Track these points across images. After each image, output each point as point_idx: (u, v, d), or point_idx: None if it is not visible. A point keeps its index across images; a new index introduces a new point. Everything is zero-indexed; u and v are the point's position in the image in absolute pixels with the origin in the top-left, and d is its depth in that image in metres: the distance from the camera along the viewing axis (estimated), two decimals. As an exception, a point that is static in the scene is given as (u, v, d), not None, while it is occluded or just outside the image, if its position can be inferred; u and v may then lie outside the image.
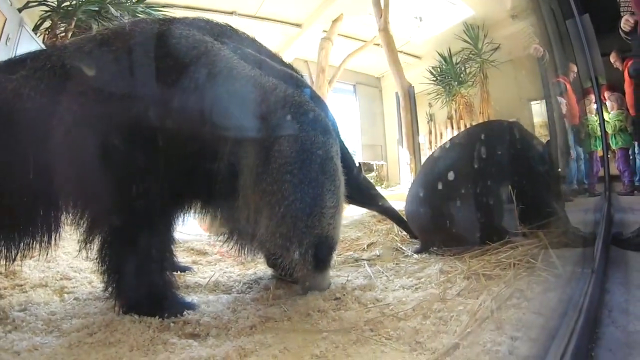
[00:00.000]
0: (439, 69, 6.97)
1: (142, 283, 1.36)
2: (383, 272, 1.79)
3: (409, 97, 5.56)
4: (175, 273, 1.81)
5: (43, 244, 1.37)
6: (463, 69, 6.85)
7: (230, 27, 1.64)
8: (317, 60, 6.39)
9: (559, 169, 2.97)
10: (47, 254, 1.45)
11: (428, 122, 7.34)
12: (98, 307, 1.42)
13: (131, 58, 1.34)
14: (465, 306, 1.28)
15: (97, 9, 4.02)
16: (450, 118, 7.03)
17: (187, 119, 1.33)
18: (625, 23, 3.31)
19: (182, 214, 1.63)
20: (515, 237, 1.90)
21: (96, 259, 1.37)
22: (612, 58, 4.12)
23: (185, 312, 1.33)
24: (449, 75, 6.90)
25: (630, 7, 3.39)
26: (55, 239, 1.39)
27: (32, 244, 1.36)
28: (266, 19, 6.01)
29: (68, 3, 3.92)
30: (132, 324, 1.26)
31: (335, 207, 1.49)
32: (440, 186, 2.13)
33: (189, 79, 1.34)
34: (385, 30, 5.66)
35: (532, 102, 5.53)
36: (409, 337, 1.14)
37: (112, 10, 3.94)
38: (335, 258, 2.09)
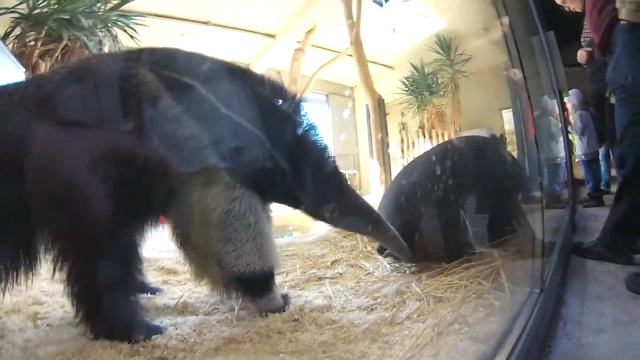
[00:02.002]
0: (411, 79, 7.10)
1: (110, 308, 1.38)
2: (343, 292, 1.84)
3: (379, 109, 5.65)
4: (145, 295, 1.87)
5: (21, 272, 1.44)
6: (435, 79, 6.99)
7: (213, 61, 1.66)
8: (290, 72, 6.45)
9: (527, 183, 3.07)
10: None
11: (400, 131, 7.44)
12: (71, 332, 1.43)
13: (90, 96, 1.41)
14: (410, 330, 1.35)
15: (68, 17, 3.96)
16: (422, 127, 7.16)
17: (139, 154, 1.39)
18: (581, 57, 3.55)
19: (144, 236, 1.70)
20: (473, 255, 1.98)
21: (65, 284, 1.40)
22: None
23: (153, 336, 1.37)
24: (421, 85, 7.03)
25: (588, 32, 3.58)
26: (33, 266, 1.46)
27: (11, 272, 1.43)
28: (240, 29, 6.04)
29: (39, 11, 3.84)
30: (103, 349, 1.28)
31: (253, 241, 1.52)
32: (406, 201, 2.22)
33: (140, 119, 1.40)
34: (356, 43, 5.75)
35: (504, 111, 5.70)
36: (357, 360, 1.19)
37: (83, 20, 3.88)
38: (300, 276, 2.16)
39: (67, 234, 1.39)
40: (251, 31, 6.18)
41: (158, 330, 1.42)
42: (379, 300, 1.68)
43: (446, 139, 6.82)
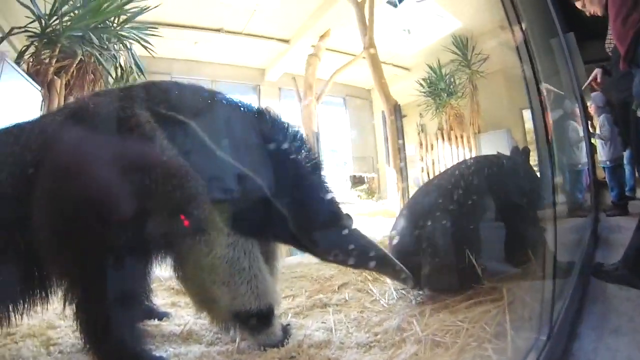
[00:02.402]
0: (428, 80, 7.00)
1: (114, 340, 1.42)
2: (345, 323, 1.81)
3: (395, 115, 5.57)
4: (152, 322, 1.89)
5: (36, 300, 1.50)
6: (452, 80, 6.88)
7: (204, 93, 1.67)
8: (304, 77, 6.41)
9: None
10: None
11: (418, 133, 7.35)
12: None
13: (88, 140, 1.45)
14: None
15: (81, 34, 4.03)
16: (440, 129, 7.06)
17: (137, 195, 1.40)
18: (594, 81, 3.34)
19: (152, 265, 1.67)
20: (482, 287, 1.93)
21: (74, 315, 1.44)
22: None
23: None
24: (439, 86, 6.93)
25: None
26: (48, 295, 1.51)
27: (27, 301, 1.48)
28: (254, 36, 6.04)
29: (52, 29, 3.91)
30: None
31: (248, 284, 1.53)
32: (417, 224, 2.15)
33: (137, 161, 1.43)
34: (370, 47, 5.67)
35: (524, 110, 5.55)
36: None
37: (94, 37, 3.94)
38: (305, 301, 2.14)
39: (72, 268, 1.42)
40: (265, 37, 6.16)
41: None
42: (378, 337, 1.64)
43: (465, 141, 6.71)
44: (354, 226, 1.77)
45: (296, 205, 1.61)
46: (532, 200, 2.31)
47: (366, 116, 8.29)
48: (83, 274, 1.41)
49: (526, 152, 2.65)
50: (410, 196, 5.53)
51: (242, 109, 1.68)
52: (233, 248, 1.49)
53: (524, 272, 2.02)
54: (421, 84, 7.03)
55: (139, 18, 4.57)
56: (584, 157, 4.41)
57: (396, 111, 5.61)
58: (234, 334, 1.62)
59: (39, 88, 3.62)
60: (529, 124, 5.56)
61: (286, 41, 6.41)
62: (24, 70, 3.67)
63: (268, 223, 1.59)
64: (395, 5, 6.10)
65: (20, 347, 1.61)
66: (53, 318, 1.83)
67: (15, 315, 1.47)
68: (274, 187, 1.57)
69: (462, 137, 6.72)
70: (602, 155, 4.79)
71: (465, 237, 2.04)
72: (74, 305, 1.42)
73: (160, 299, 2.16)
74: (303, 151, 1.69)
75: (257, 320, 1.54)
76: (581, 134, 4.40)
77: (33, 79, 3.60)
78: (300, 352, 1.53)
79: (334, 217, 1.72)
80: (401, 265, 1.85)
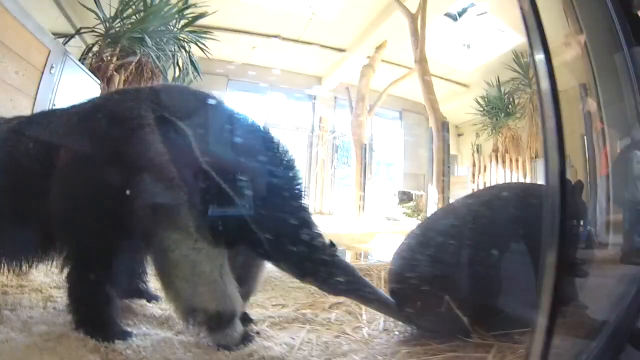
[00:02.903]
0: (486, 98, 6.74)
1: (87, 306, 1.63)
2: (313, 345, 1.75)
3: (442, 132, 5.40)
4: (143, 302, 2.05)
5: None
6: (511, 99, 6.58)
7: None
8: (358, 88, 6.38)
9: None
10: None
11: (472, 153, 7.10)
12: (66, 319, 1.67)
13: (99, 133, 1.67)
14: None
15: (140, 36, 4.36)
16: (495, 151, 6.76)
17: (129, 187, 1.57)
18: None
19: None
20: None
21: (65, 280, 1.68)
22: None
23: (117, 341, 1.55)
24: (497, 105, 6.65)
25: None
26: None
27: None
28: (310, 43, 6.10)
29: (114, 31, 4.35)
30: (76, 340, 1.52)
31: (206, 286, 1.61)
32: (422, 248, 1.96)
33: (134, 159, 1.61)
34: (420, 61, 5.55)
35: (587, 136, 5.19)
36: None
37: (147, 39, 4.24)
38: (290, 314, 2.10)
39: (70, 240, 1.68)
40: (321, 45, 6.19)
41: (122, 337, 1.60)
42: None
43: (520, 165, 6.38)
44: (340, 253, 1.83)
45: (272, 226, 1.64)
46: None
47: (421, 132, 8.09)
48: (77, 246, 1.66)
49: (579, 186, 2.40)
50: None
51: (242, 122, 1.80)
52: (198, 252, 1.56)
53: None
54: (478, 102, 6.78)
55: (201, 22, 4.84)
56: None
57: (444, 129, 5.44)
58: (193, 329, 1.67)
59: (99, 82, 4.11)
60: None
61: (342, 50, 6.41)
62: (86, 66, 4.14)
63: (241, 237, 1.65)
64: (455, 19, 5.93)
65: (23, 297, 1.91)
66: (62, 280, 1.95)
67: (26, 267, 1.81)
68: (253, 208, 1.63)
69: (517, 160, 6.40)
70: None
71: (468, 275, 1.83)
72: (67, 273, 1.66)
73: (156, 283, 2.21)
74: (290, 174, 1.77)
75: (213, 320, 1.60)
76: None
77: (94, 74, 4.11)
78: None
79: (312, 243, 1.71)
80: (388, 298, 1.81)
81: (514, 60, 6.22)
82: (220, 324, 1.63)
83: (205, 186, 1.59)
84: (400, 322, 1.98)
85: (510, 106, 6.59)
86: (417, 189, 7.73)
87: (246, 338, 1.69)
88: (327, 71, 6.81)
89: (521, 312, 1.74)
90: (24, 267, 1.81)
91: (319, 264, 1.69)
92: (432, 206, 5.79)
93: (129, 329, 1.70)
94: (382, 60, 6.48)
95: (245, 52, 5.96)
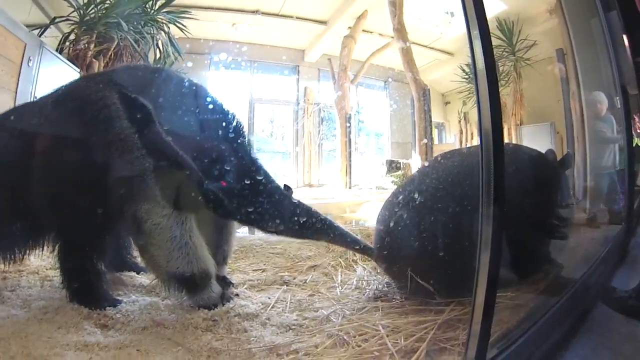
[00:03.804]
0: (470, 66, 6.72)
1: (80, 281, 1.79)
2: (287, 302, 1.88)
3: (424, 100, 5.42)
4: (132, 273, 2.23)
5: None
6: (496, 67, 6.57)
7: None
8: (339, 59, 6.38)
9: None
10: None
11: (459, 121, 7.14)
12: (62, 294, 1.82)
13: (68, 118, 1.80)
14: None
15: (116, 20, 4.35)
16: (481, 118, 6.75)
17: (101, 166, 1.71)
18: None
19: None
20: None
21: (56, 258, 1.84)
22: None
23: (108, 307, 1.72)
24: (481, 73, 6.64)
25: None
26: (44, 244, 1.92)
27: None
28: (290, 17, 6.08)
29: (89, 17, 4.32)
30: (71, 310, 1.69)
31: (179, 250, 1.73)
32: (399, 200, 2.02)
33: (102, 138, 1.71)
34: (399, 30, 5.54)
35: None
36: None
37: (124, 24, 4.24)
38: (269, 277, 2.23)
39: (56, 223, 1.84)
40: (301, 18, 6.17)
41: (112, 304, 1.77)
42: (304, 322, 1.70)
43: (506, 132, 6.38)
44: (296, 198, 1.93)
45: (230, 182, 1.80)
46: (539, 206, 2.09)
47: (407, 101, 8.11)
48: (62, 226, 1.81)
49: (567, 161, 2.40)
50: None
51: (202, 98, 1.91)
52: (167, 218, 1.70)
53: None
54: (463, 70, 6.76)
55: (176, 2, 4.80)
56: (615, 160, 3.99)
57: (425, 96, 5.47)
58: (175, 293, 1.81)
59: (79, 70, 4.11)
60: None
61: (323, 22, 6.39)
62: (64, 56, 4.16)
63: (204, 199, 1.75)
64: (438, -14, 5.89)
65: (21, 279, 2.09)
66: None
67: (22, 257, 1.93)
68: (208, 171, 1.77)
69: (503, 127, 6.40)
70: None
71: (434, 234, 1.85)
72: (57, 251, 1.82)
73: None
74: (241, 135, 1.91)
75: (190, 282, 1.74)
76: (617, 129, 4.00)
77: (73, 63, 4.13)
78: (224, 318, 1.68)
79: (271, 189, 1.88)
80: (356, 237, 1.98)
81: (497, 28, 6.18)
82: (197, 285, 1.77)
83: (166, 155, 1.69)
84: (372, 278, 2.20)
85: (494, 74, 6.57)
86: (404, 158, 7.79)
87: (224, 298, 1.84)
88: (309, 44, 6.80)
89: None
90: (18, 258, 1.93)
91: (284, 212, 1.86)
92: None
93: (119, 298, 1.86)
94: (364, 31, 6.46)
95: (226, 29, 5.94)
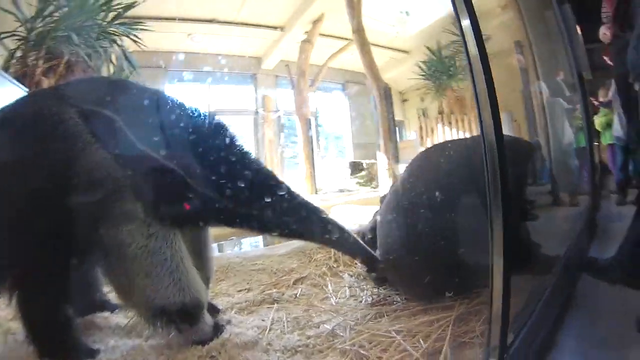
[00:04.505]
0: (428, 63, 6.86)
1: (49, 334, 1.52)
2: (284, 322, 1.78)
3: (385, 99, 5.45)
4: (104, 314, 1.93)
5: None
6: (453, 62, 6.72)
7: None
8: (297, 64, 6.33)
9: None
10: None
11: (419, 117, 7.26)
12: (29, 350, 1.54)
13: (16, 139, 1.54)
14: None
15: (66, 34, 4.11)
16: (441, 113, 6.94)
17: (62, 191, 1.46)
18: (603, 36, 3.17)
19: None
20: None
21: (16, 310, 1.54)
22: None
23: None
24: (439, 69, 6.78)
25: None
26: None
27: None
28: (246, 24, 5.97)
29: (37, 32, 4.03)
30: None
31: (170, 276, 1.52)
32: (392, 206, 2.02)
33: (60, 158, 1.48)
34: (358, 31, 5.55)
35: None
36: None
37: (75, 37, 4.01)
38: (256, 296, 2.11)
39: (10, 267, 1.52)
40: (258, 25, 6.08)
41: (90, 355, 1.53)
42: (309, 340, 1.61)
43: (467, 124, 6.57)
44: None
45: (225, 183, 1.60)
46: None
47: (366, 102, 8.15)
48: (18, 269, 1.52)
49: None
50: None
51: (169, 103, 1.68)
52: (155, 238, 1.49)
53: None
54: (420, 67, 6.89)
55: (130, 13, 4.60)
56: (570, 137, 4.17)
57: (386, 95, 5.50)
58: (161, 330, 1.59)
59: (27, 90, 3.73)
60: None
61: (280, 28, 6.32)
62: (11, 74, 3.79)
63: (193, 209, 1.57)
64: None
65: None
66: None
67: None
68: (198, 172, 1.57)
69: (463, 120, 6.60)
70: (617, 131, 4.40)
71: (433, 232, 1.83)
72: (16, 301, 1.52)
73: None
74: (222, 134, 1.69)
75: (182, 315, 1.53)
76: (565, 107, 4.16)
77: (21, 82, 3.70)
78: (222, 351, 1.50)
79: (272, 189, 1.68)
80: (362, 244, 1.83)
81: (453, 24, 6.31)
82: (190, 318, 1.56)
83: (144, 164, 1.49)
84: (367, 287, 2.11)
85: (451, 68, 6.73)
86: (367, 159, 7.84)
87: (217, 329, 1.65)
88: (265, 51, 6.71)
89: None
90: None
91: (287, 213, 1.66)
92: (383, 172, 5.83)
93: (95, 346, 1.61)
94: (321, 34, 6.43)
95: (182, 40, 5.78)
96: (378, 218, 2.09)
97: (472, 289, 1.76)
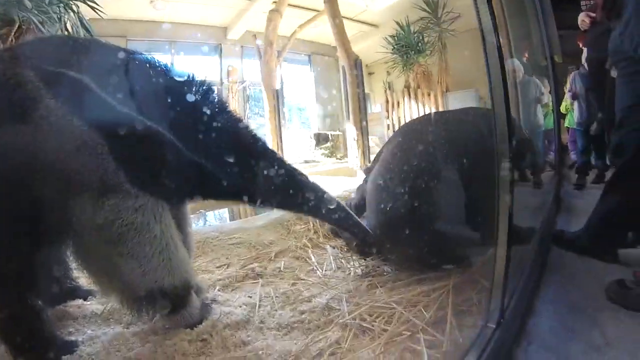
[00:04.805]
0: (396, 37, 6.85)
1: (16, 331, 1.31)
2: (273, 298, 1.70)
3: (355, 70, 5.39)
4: (76, 302, 1.74)
5: None
6: (421, 38, 6.74)
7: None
8: (265, 34, 6.13)
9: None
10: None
11: (385, 90, 7.28)
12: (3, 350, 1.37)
13: None
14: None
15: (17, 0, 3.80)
16: (407, 87, 6.99)
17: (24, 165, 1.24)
18: (582, 22, 3.23)
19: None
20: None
21: None
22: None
23: (64, 357, 1.32)
24: (407, 44, 6.79)
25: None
26: None
27: None
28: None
29: None
30: None
31: (160, 255, 1.36)
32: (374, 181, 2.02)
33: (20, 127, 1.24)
34: (330, 2, 5.42)
35: None
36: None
37: (27, 2, 3.70)
38: (238, 271, 2.01)
39: None
40: (225, -5, 5.84)
41: (69, 350, 1.35)
42: (303, 316, 1.54)
43: (432, 99, 6.65)
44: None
45: (216, 148, 1.45)
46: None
47: (332, 73, 8.07)
48: None
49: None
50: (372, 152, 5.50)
51: (145, 62, 1.47)
52: (142, 212, 1.30)
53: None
54: (389, 41, 6.87)
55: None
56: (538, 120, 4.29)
57: (357, 66, 5.43)
58: (148, 316, 1.45)
59: None
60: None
61: (247, -3, 6.11)
62: None
63: (184, 177, 1.43)
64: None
65: None
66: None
67: None
68: (186, 136, 1.40)
69: (429, 95, 6.67)
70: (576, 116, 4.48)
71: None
72: None
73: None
74: (212, 98, 1.52)
75: (171, 299, 1.39)
76: (541, 91, 4.26)
77: None
78: (213, 333, 1.40)
79: (264, 154, 1.56)
80: (354, 216, 1.77)
81: (423, 1, 6.36)
82: (179, 301, 1.42)
83: (126, 129, 1.27)
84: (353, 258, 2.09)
85: (420, 44, 6.75)
86: (332, 130, 7.82)
87: (205, 309, 1.53)
88: (232, 20, 6.48)
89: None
90: None
91: (282, 184, 1.55)
92: (352, 143, 5.79)
93: (72, 338, 1.44)
94: (289, 5, 6.25)
95: (143, 7, 5.46)
96: (368, 186, 2.07)
97: (469, 258, 1.79)
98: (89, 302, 1.73)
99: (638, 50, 1.66)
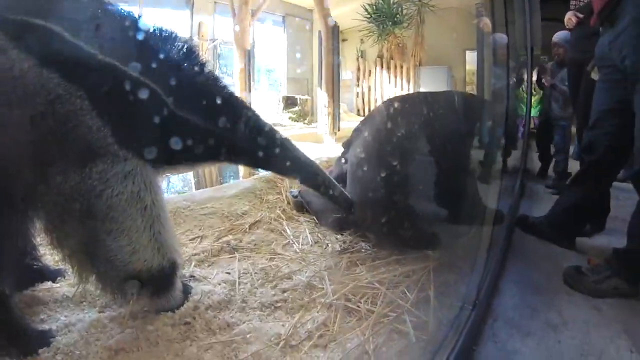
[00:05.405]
0: (374, 6, 6.73)
1: None
2: (251, 274, 1.67)
3: (332, 36, 5.27)
4: (44, 285, 1.57)
5: None
6: (400, 9, 6.67)
7: None
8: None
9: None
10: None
11: (357, 58, 7.22)
12: None
13: None
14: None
15: None
16: (380, 57, 6.95)
17: None
18: (568, 21, 3.27)
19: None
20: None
21: None
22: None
23: (40, 350, 1.18)
24: (385, 14, 6.69)
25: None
26: None
27: None
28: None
29: None
30: None
31: (150, 230, 1.24)
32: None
33: None
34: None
35: (468, 51, 5.54)
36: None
37: None
38: (212, 245, 1.95)
39: None
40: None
41: (45, 342, 1.22)
42: (285, 294, 1.52)
43: (405, 71, 6.64)
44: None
45: (200, 108, 1.30)
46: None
47: (305, 37, 7.89)
48: None
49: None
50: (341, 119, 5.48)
51: (119, 12, 1.25)
52: (132, 179, 1.15)
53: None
54: (366, 9, 6.74)
55: None
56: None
57: (334, 33, 5.31)
58: (128, 300, 1.31)
59: None
60: (470, 66, 5.61)
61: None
62: None
63: (167, 138, 1.24)
64: None
65: None
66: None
67: None
68: (171, 93, 1.23)
69: (402, 67, 6.66)
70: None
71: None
72: None
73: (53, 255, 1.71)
74: (194, 56, 1.35)
75: (159, 280, 1.28)
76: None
77: None
78: (196, 316, 1.35)
79: (246, 115, 1.42)
80: (338, 185, 1.76)
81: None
82: (165, 282, 1.31)
83: (110, 81, 1.12)
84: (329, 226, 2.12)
85: (398, 15, 6.67)
86: (301, 94, 7.70)
87: (186, 290, 1.45)
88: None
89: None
90: None
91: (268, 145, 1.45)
92: (322, 110, 5.71)
93: (46, 327, 1.30)
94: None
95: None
96: (350, 160, 2.07)
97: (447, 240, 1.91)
98: (58, 284, 1.58)
99: (625, 62, 1.72)
